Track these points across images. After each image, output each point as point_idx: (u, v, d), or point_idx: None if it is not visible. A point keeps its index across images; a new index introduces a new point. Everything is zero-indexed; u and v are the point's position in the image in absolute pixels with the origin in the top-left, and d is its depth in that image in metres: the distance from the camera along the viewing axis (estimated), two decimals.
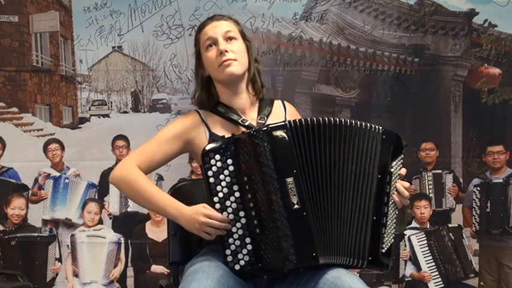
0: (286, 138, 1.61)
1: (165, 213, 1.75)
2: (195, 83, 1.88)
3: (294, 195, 1.60)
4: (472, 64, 3.55)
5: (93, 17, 3.45)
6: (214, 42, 1.79)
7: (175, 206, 1.71)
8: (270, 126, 1.64)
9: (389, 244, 1.69)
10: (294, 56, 3.48)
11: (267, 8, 3.47)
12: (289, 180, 1.60)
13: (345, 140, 1.65)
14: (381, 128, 1.70)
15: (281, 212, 1.59)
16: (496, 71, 3.54)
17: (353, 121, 1.67)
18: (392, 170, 1.70)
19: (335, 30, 3.52)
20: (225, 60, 1.77)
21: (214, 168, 1.63)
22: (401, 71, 3.54)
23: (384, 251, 1.68)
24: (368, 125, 1.69)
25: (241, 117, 1.81)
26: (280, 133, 1.62)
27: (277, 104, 1.92)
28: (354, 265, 1.66)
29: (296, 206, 1.59)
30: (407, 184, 1.74)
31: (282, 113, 1.90)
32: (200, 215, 1.64)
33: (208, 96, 1.84)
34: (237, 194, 1.63)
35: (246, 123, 1.79)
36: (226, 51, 1.77)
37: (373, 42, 3.52)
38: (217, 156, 1.63)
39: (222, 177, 1.63)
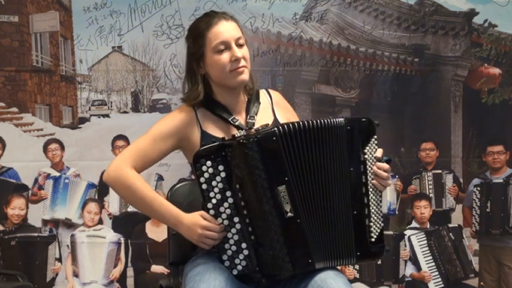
0: (277, 146, 1.59)
1: (163, 220, 1.75)
2: (186, 79, 1.84)
3: (287, 203, 1.58)
4: (472, 64, 3.54)
5: (93, 17, 3.44)
6: (228, 46, 1.76)
7: (174, 214, 1.70)
8: (259, 134, 1.60)
9: (378, 230, 1.67)
10: (294, 56, 3.48)
11: (267, 8, 3.46)
12: (281, 188, 1.57)
13: (324, 142, 1.63)
14: (342, 119, 1.66)
15: (274, 221, 1.58)
16: (496, 71, 3.54)
17: (323, 120, 1.63)
18: (366, 156, 1.67)
19: (335, 30, 3.52)
20: (240, 67, 1.76)
21: (206, 175, 1.62)
22: (401, 71, 3.54)
23: (373, 240, 1.66)
24: (330, 121, 1.65)
25: (232, 115, 1.80)
26: (270, 141, 1.59)
27: (263, 95, 1.90)
28: (347, 263, 1.66)
29: (289, 214, 1.58)
30: (386, 166, 1.69)
31: (268, 104, 1.88)
32: (198, 227, 1.63)
33: (204, 94, 1.82)
34: (230, 200, 1.62)
35: (236, 123, 1.78)
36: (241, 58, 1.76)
37: (373, 42, 3.52)
38: (209, 162, 1.61)
39: (214, 183, 1.62)
